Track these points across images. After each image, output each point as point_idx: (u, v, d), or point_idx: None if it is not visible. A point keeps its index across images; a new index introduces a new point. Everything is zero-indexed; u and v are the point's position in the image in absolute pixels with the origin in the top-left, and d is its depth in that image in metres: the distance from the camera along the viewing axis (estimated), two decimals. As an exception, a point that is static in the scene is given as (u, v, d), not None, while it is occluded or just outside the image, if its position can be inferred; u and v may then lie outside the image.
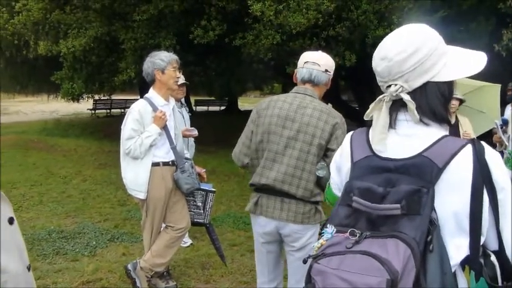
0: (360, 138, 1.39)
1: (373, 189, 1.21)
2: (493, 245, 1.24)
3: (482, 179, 1.19)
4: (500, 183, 1.21)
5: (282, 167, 2.57)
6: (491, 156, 1.22)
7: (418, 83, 1.27)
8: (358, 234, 1.17)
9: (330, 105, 2.70)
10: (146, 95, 3.75)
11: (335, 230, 1.21)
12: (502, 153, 4.61)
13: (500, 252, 1.23)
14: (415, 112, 1.25)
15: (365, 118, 1.35)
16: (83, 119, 21.83)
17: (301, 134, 2.56)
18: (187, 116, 4.79)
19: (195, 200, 3.92)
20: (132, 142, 3.54)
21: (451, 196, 1.21)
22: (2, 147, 11.21)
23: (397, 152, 1.28)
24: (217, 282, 4.13)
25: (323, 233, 1.23)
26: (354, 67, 8.34)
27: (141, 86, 12.34)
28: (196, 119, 5.71)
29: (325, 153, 2.58)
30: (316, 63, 2.62)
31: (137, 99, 3.94)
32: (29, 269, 1.28)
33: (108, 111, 23.33)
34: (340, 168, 1.48)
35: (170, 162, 3.71)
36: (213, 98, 27.92)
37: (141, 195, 3.62)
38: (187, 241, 4.92)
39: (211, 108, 28.28)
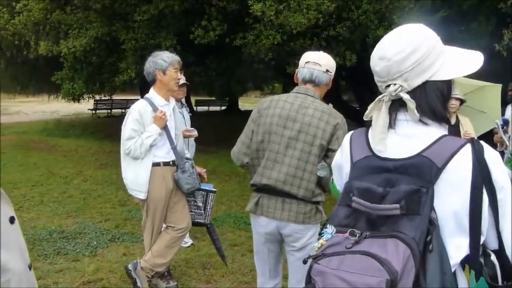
0: (360, 139, 1.39)
1: (373, 189, 1.22)
2: (493, 245, 1.25)
3: (482, 178, 1.20)
4: (500, 183, 1.21)
5: (283, 168, 2.57)
6: (491, 155, 1.22)
7: (417, 82, 1.27)
8: (357, 235, 1.17)
9: (330, 105, 2.71)
10: (146, 95, 3.75)
11: (335, 230, 1.22)
12: (502, 153, 4.60)
13: (500, 252, 1.24)
14: (415, 111, 1.25)
15: (364, 118, 1.35)
16: (84, 119, 21.84)
17: (302, 134, 2.56)
18: (187, 116, 4.79)
19: (195, 200, 3.92)
20: (133, 142, 3.54)
21: (451, 196, 1.21)
22: (3, 148, 11.22)
23: (396, 152, 1.28)
24: (218, 282, 4.14)
25: (323, 233, 1.23)
26: (354, 67, 8.33)
27: (142, 86, 12.35)
28: (196, 119, 5.72)
29: (326, 153, 2.59)
30: (318, 63, 2.63)
31: (138, 100, 3.94)
32: (30, 268, 1.29)
33: (109, 111, 23.34)
34: (340, 168, 1.48)
35: (171, 162, 3.71)
36: (213, 98, 27.93)
37: (142, 196, 3.63)
38: (188, 241, 4.92)
39: (212, 108, 28.29)
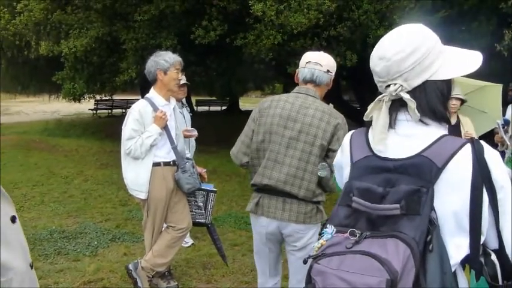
0: (360, 139, 1.39)
1: (373, 189, 1.22)
2: (493, 244, 1.25)
3: (482, 178, 1.20)
4: (500, 182, 1.21)
5: (284, 168, 2.57)
6: (491, 155, 1.22)
7: (417, 81, 1.28)
8: (358, 234, 1.17)
9: (331, 105, 2.71)
10: (147, 95, 3.75)
11: (335, 230, 1.22)
12: (503, 153, 4.61)
13: (501, 251, 1.24)
14: (416, 111, 1.25)
15: (365, 119, 1.35)
16: (84, 119, 21.85)
17: (303, 134, 2.56)
18: (188, 116, 4.79)
19: (196, 200, 3.92)
20: (133, 142, 3.54)
21: (451, 195, 1.21)
22: (3, 148, 11.23)
23: (396, 152, 1.28)
24: (218, 282, 4.14)
25: (323, 233, 1.23)
26: (355, 67, 8.33)
27: (143, 86, 12.34)
28: (197, 119, 5.72)
29: (327, 153, 2.59)
30: (318, 63, 2.63)
31: (138, 100, 3.94)
32: (31, 267, 1.29)
33: (110, 111, 23.34)
34: (341, 168, 1.49)
35: (171, 162, 3.71)
36: (214, 98, 27.92)
37: (142, 196, 3.63)
38: (188, 241, 4.92)
39: (213, 108, 28.29)
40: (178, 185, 3.71)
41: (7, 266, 1.17)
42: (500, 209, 1.21)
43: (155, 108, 3.62)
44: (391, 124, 1.30)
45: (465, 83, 4.78)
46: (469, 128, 4.82)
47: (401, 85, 1.27)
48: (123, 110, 22.07)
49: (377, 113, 1.31)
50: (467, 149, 1.22)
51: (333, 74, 2.70)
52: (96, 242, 5.03)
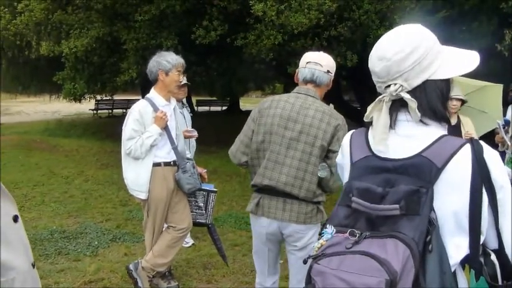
0: (359, 139, 1.39)
1: (372, 189, 1.22)
2: (493, 244, 1.25)
3: (481, 178, 1.20)
4: (499, 182, 1.21)
5: (285, 169, 2.57)
6: (490, 155, 1.23)
7: (417, 81, 1.28)
8: (357, 235, 1.17)
9: (331, 105, 2.71)
10: (147, 95, 3.75)
11: (335, 230, 1.22)
12: (504, 153, 4.60)
13: (500, 251, 1.24)
14: (417, 111, 1.25)
15: (365, 120, 1.35)
16: (85, 119, 21.86)
17: (303, 135, 2.56)
18: (188, 116, 4.79)
19: (196, 200, 3.92)
20: (133, 142, 3.54)
21: (451, 196, 1.21)
22: (4, 148, 11.24)
23: (396, 152, 1.28)
24: (219, 282, 4.14)
25: (323, 233, 1.23)
26: (355, 67, 8.33)
27: (143, 86, 12.35)
28: (197, 119, 5.72)
29: (327, 154, 2.59)
30: (319, 63, 2.63)
31: (139, 100, 3.94)
32: (33, 266, 1.29)
33: (110, 111, 23.33)
34: (342, 168, 1.49)
35: (171, 163, 3.71)
36: (214, 98, 27.92)
37: (143, 196, 3.63)
38: (189, 241, 4.92)
39: (213, 109, 28.28)
40: (178, 185, 3.71)
41: (8, 266, 1.17)
42: (500, 209, 1.21)
43: (155, 109, 3.62)
44: (391, 124, 1.30)
45: (465, 83, 4.78)
46: (469, 128, 4.82)
47: (401, 85, 1.27)
48: (124, 110, 22.04)
49: (377, 113, 1.31)
50: (467, 149, 1.22)
51: (333, 74, 2.70)
52: (96, 242, 5.04)
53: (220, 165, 9.34)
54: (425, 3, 7.98)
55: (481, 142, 1.25)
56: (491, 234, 1.24)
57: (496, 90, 5.44)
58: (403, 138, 1.29)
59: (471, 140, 1.24)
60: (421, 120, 1.28)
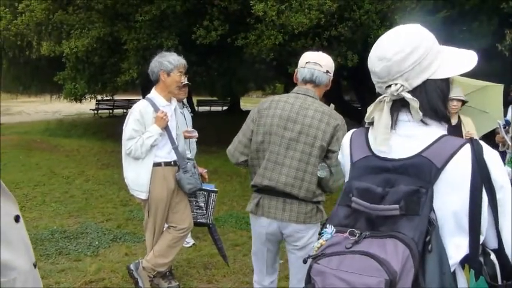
0: (360, 139, 1.40)
1: (372, 189, 1.22)
2: (493, 244, 1.25)
3: (481, 178, 1.20)
4: (499, 182, 1.21)
5: (284, 169, 2.57)
6: (490, 155, 1.23)
7: (418, 81, 1.28)
8: (357, 234, 1.18)
9: (332, 105, 2.71)
10: (148, 96, 3.75)
11: (335, 230, 1.22)
12: (504, 153, 4.60)
13: (500, 251, 1.24)
14: (418, 110, 1.26)
15: (366, 120, 1.35)
16: (86, 119, 21.87)
17: (303, 135, 2.56)
18: (189, 116, 4.79)
19: (197, 200, 3.92)
20: (133, 142, 3.54)
21: (450, 196, 1.21)
22: (5, 148, 11.25)
23: (396, 152, 1.28)
24: (219, 282, 4.14)
25: (323, 233, 1.24)
26: (356, 67, 8.33)
27: (144, 87, 12.35)
28: (198, 119, 5.72)
29: (326, 154, 2.59)
30: (318, 63, 2.63)
31: (139, 100, 3.94)
32: (35, 266, 1.29)
33: (111, 111, 23.34)
34: (343, 168, 1.49)
35: (172, 163, 3.71)
36: (215, 98, 27.93)
37: (143, 196, 3.63)
38: (189, 241, 4.93)
39: (214, 109, 28.30)
40: (179, 185, 3.71)
41: (9, 266, 1.17)
42: (500, 209, 1.21)
43: (156, 109, 3.62)
44: (392, 125, 1.31)
45: (466, 83, 4.78)
46: (470, 128, 4.82)
47: (402, 85, 1.28)
48: (124, 110, 22.06)
49: (378, 113, 1.31)
50: (467, 149, 1.22)
51: (332, 74, 2.70)
52: (97, 242, 5.04)
53: (220, 165, 9.34)
54: (426, 3, 7.98)
55: (481, 142, 1.25)
56: (491, 234, 1.24)
57: (497, 90, 5.44)
58: (403, 139, 1.29)
59: (471, 140, 1.24)
60: (422, 120, 1.28)
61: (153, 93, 3.73)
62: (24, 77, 18.73)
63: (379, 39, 1.35)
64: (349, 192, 1.26)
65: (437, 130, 1.29)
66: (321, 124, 2.55)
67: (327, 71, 2.65)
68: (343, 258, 1.14)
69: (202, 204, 3.93)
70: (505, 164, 4.41)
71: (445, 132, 1.29)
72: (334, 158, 2.54)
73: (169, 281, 3.91)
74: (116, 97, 20.97)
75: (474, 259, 1.23)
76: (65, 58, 10.74)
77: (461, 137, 3.99)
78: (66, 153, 11.85)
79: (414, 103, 1.26)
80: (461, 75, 1.36)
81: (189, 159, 3.93)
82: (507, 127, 4.68)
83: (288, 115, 2.59)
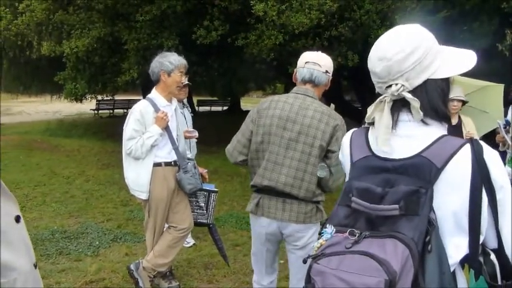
0: (360, 139, 1.40)
1: (372, 189, 1.22)
2: (492, 243, 1.25)
3: (481, 178, 1.20)
4: (499, 182, 1.21)
5: (284, 169, 2.58)
6: (490, 155, 1.23)
7: (418, 81, 1.28)
8: (357, 234, 1.18)
9: (332, 106, 2.71)
10: (148, 96, 3.75)
11: (334, 230, 1.22)
12: (505, 153, 4.60)
13: (500, 251, 1.24)
14: (419, 110, 1.26)
15: (366, 121, 1.35)
16: (86, 119, 21.88)
17: (302, 135, 2.56)
18: (189, 116, 4.79)
19: (197, 200, 3.93)
20: (134, 142, 3.54)
21: (450, 196, 1.21)
22: (5, 148, 11.26)
23: (397, 152, 1.28)
24: (219, 282, 4.14)
25: (323, 233, 1.24)
26: (356, 67, 8.33)
27: (144, 87, 12.35)
28: (198, 119, 5.72)
29: (326, 154, 2.59)
30: (317, 63, 2.63)
31: (140, 100, 3.94)
32: (35, 266, 1.29)
33: (111, 111, 23.36)
34: (344, 167, 1.49)
35: (172, 163, 3.71)
36: (215, 98, 27.94)
37: (143, 196, 3.63)
38: (189, 241, 4.93)
39: (214, 109, 28.31)
40: (180, 185, 3.71)
41: (10, 267, 1.17)
42: (500, 208, 1.22)
43: (156, 109, 3.62)
44: (392, 125, 1.31)
45: (467, 83, 4.78)
46: (470, 128, 4.82)
47: (402, 85, 1.28)
48: (125, 110, 22.05)
49: (379, 114, 1.31)
50: (467, 149, 1.22)
51: (331, 74, 2.70)
52: (97, 242, 5.04)
53: (221, 165, 9.34)
54: (426, 3, 7.98)
55: (481, 142, 1.25)
56: (491, 234, 1.24)
57: (497, 90, 5.44)
58: (403, 139, 1.29)
59: (471, 140, 1.24)
60: (422, 120, 1.28)
61: (154, 94, 3.73)
62: (24, 77, 18.75)
63: (378, 39, 1.35)
64: (349, 192, 1.26)
65: (437, 130, 1.29)
66: (320, 124, 2.55)
67: (326, 71, 2.65)
68: (343, 258, 1.15)
69: (203, 204, 3.93)
70: (505, 164, 4.41)
71: (445, 132, 1.29)
72: (334, 158, 2.55)
73: (169, 281, 3.92)
74: (117, 97, 20.98)
75: (474, 259, 1.23)
76: (66, 58, 10.74)
77: (462, 137, 3.99)
78: (67, 153, 11.86)
79: (415, 103, 1.26)
80: (462, 74, 1.36)
81: (189, 159, 3.93)
82: (507, 127, 4.68)
83: (288, 115, 2.59)
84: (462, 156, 1.22)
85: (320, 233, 1.25)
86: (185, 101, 4.83)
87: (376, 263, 1.09)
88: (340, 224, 1.24)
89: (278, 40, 7.92)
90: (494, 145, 4.41)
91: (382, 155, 1.30)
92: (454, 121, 4.73)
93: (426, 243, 1.15)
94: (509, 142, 4.48)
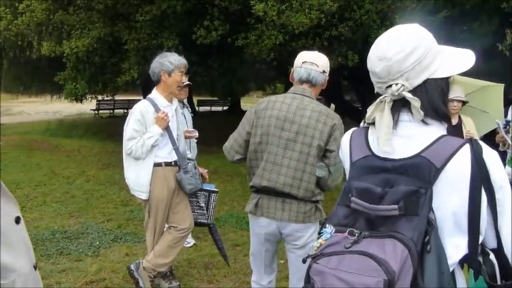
0: (359, 138, 1.40)
1: (371, 189, 1.22)
2: (492, 243, 1.25)
3: (480, 178, 1.20)
4: (498, 182, 1.21)
5: (283, 170, 2.58)
6: (489, 155, 1.23)
7: (418, 80, 1.29)
8: (356, 234, 1.18)
9: (333, 106, 2.72)
10: (149, 96, 3.76)
11: (334, 229, 1.23)
12: (505, 153, 4.60)
13: (499, 251, 1.24)
14: (420, 110, 1.26)
15: (367, 121, 1.35)
16: (86, 120, 21.87)
17: (300, 135, 2.56)
18: (189, 116, 4.79)
19: (198, 200, 3.93)
20: (134, 143, 3.55)
21: (450, 196, 1.22)
22: (5, 148, 11.26)
23: (397, 152, 1.28)
24: (220, 282, 4.14)
25: (322, 232, 1.24)
26: (356, 67, 8.33)
27: (144, 87, 12.36)
28: (199, 119, 5.73)
29: (324, 154, 2.60)
30: (315, 63, 2.63)
31: (140, 100, 3.95)
32: (35, 267, 1.29)
33: (111, 111, 23.37)
34: (344, 166, 1.50)
35: (172, 163, 3.71)
36: (215, 98, 27.94)
37: (144, 196, 3.64)
38: (190, 241, 4.93)
39: (214, 109, 28.31)
40: (180, 185, 3.72)
41: (9, 268, 1.17)
42: (499, 208, 1.22)
43: (157, 109, 3.62)
44: (393, 125, 1.31)
45: (467, 83, 4.78)
46: (470, 128, 4.82)
47: (403, 85, 1.28)
48: (125, 111, 22.08)
49: (380, 114, 1.31)
50: (466, 149, 1.23)
51: (327, 74, 2.71)
52: (98, 242, 5.05)
53: (221, 165, 9.34)
54: (427, 3, 7.98)
55: (481, 142, 1.25)
56: (490, 234, 1.24)
57: (498, 90, 5.44)
58: (403, 139, 1.29)
59: (470, 140, 1.25)
60: (422, 120, 1.28)
61: (154, 94, 3.73)
62: (24, 77, 18.74)
63: (378, 39, 1.36)
64: (349, 192, 1.26)
65: (437, 130, 1.29)
66: (318, 124, 2.56)
67: (323, 71, 2.65)
68: (342, 258, 1.15)
69: (203, 204, 3.93)
70: (505, 164, 4.41)
71: (445, 133, 1.29)
72: (332, 158, 2.55)
73: (169, 281, 3.92)
74: (117, 97, 20.98)
75: (473, 259, 1.23)
76: (66, 58, 10.74)
77: (462, 137, 3.99)
78: (67, 153, 11.86)
79: (415, 102, 1.26)
80: (462, 74, 1.36)
81: (189, 159, 3.93)
82: (507, 127, 4.68)
83: (285, 116, 2.59)
84: (461, 156, 1.22)
85: (319, 233, 1.25)
86: (185, 101, 4.83)
87: (375, 263, 1.09)
88: (339, 223, 1.25)
89: (278, 40, 7.93)
90: (494, 145, 4.42)
91: (381, 155, 1.30)
92: (455, 121, 4.73)
93: (425, 243, 1.15)
94: (509, 142, 4.48)
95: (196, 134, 4.46)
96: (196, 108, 23.96)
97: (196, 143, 4.85)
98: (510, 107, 5.44)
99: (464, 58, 1.33)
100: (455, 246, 1.23)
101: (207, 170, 4.15)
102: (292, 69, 2.71)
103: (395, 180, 1.22)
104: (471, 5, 8.30)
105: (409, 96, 1.27)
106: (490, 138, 4.87)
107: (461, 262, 1.25)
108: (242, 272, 4.31)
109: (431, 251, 1.15)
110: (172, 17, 9.54)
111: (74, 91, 11.46)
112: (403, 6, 7.74)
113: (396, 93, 1.28)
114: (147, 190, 3.61)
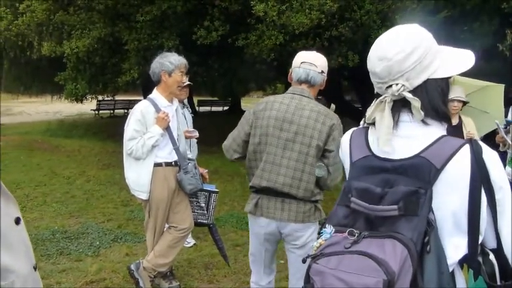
0: (359, 138, 1.40)
1: (371, 189, 1.22)
2: (491, 244, 1.26)
3: (480, 178, 1.20)
4: (498, 183, 1.22)
5: (282, 170, 2.58)
6: (489, 156, 1.23)
7: (418, 80, 1.29)
8: (356, 234, 1.18)
9: (333, 106, 2.72)
10: (150, 96, 3.76)
11: (334, 230, 1.23)
12: (505, 153, 4.60)
13: (499, 251, 1.24)
14: (420, 110, 1.26)
15: (367, 121, 1.35)
16: (87, 120, 21.88)
17: (299, 136, 2.57)
18: (189, 116, 4.79)
19: (198, 200, 3.93)
20: (134, 143, 3.55)
21: (450, 196, 1.22)
22: (6, 148, 11.26)
23: (397, 153, 1.28)
24: (220, 282, 4.14)
25: (322, 232, 1.24)
26: (356, 67, 8.33)
27: (145, 87, 12.37)
28: (199, 119, 5.73)
29: (323, 153, 2.60)
30: (313, 64, 2.63)
31: (141, 100, 3.95)
32: (35, 268, 1.29)
33: (112, 111, 23.40)
34: (344, 165, 1.50)
35: (173, 163, 3.72)
36: (216, 99, 27.97)
37: (144, 196, 3.64)
38: (190, 241, 4.93)
39: (214, 109, 28.33)
40: (180, 185, 3.72)
41: (9, 269, 1.17)
42: (499, 209, 1.22)
43: (157, 109, 3.62)
44: (393, 125, 1.31)
45: (467, 83, 4.77)
46: (471, 128, 4.81)
47: (403, 85, 1.28)
48: (125, 111, 22.11)
49: (380, 114, 1.31)
50: (466, 149, 1.23)
51: (326, 74, 2.71)
52: (98, 242, 5.05)
53: (221, 166, 9.34)
54: (427, 4, 7.98)
55: (481, 143, 1.25)
56: (490, 234, 1.24)
57: (498, 90, 5.43)
58: (403, 139, 1.29)
59: (470, 141, 1.25)
60: (423, 120, 1.28)
61: (155, 94, 3.73)
62: (25, 77, 18.74)
63: (377, 39, 1.36)
64: (348, 192, 1.26)
65: (437, 130, 1.29)
66: (316, 124, 2.56)
67: (322, 71, 2.65)
68: (342, 258, 1.15)
69: (203, 205, 3.93)
70: (505, 164, 4.41)
71: (445, 133, 1.29)
72: (331, 157, 2.56)
73: (170, 281, 3.92)
74: (117, 97, 20.99)
75: (473, 259, 1.23)
76: (66, 58, 10.75)
77: (462, 137, 3.99)
78: (67, 153, 11.86)
79: (416, 102, 1.26)
80: (462, 74, 1.36)
81: (190, 159, 3.93)
82: (508, 127, 4.67)
83: (284, 116, 2.59)
84: (461, 157, 1.22)
85: (319, 233, 1.25)
86: (185, 101, 4.83)
87: (375, 263, 1.09)
88: (339, 224, 1.25)
89: (278, 40, 7.93)
90: (495, 145, 4.41)
91: (381, 155, 1.30)
92: (455, 121, 4.72)
93: (425, 243, 1.15)
94: (510, 142, 4.48)
95: (197, 134, 4.46)
96: (197, 108, 23.97)
97: (197, 143, 4.85)
98: (510, 107, 5.44)
99: (464, 58, 1.33)
100: (455, 247, 1.23)
101: (207, 170, 4.15)
102: (290, 70, 2.71)
103: (395, 180, 1.22)
104: (471, 5, 8.30)
105: (409, 96, 1.27)
106: (490, 138, 4.87)
107: (461, 262, 1.25)
108: (242, 272, 4.31)
109: (431, 251, 1.15)
110: (172, 17, 9.54)
111: (75, 91, 11.47)
112: (404, 7, 7.74)
113: (396, 94, 1.28)
114: (147, 190, 3.61)
